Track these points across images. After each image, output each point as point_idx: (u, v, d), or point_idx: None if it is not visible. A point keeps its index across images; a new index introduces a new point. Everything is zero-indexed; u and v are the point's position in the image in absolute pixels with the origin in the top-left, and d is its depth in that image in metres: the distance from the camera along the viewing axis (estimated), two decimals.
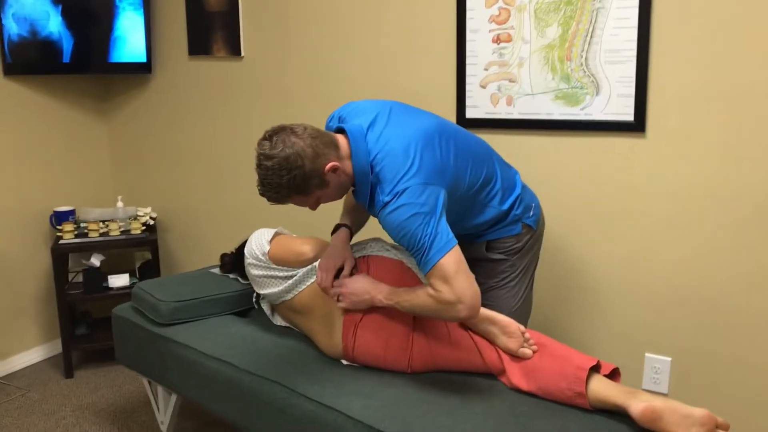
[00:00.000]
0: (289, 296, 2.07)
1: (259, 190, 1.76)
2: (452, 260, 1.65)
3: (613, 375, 1.75)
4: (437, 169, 1.74)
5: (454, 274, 1.64)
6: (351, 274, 1.96)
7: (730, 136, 2.16)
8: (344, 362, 1.96)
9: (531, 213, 2.04)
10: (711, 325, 2.28)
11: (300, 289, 2.05)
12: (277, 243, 2.14)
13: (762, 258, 2.17)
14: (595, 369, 1.71)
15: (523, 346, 1.79)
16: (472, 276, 1.68)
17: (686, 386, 2.36)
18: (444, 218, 1.70)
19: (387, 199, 1.71)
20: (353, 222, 2.14)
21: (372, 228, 2.84)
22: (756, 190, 2.14)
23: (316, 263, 2.03)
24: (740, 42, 2.09)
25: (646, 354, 2.41)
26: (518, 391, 1.76)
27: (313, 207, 1.84)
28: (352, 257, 2.01)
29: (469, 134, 1.96)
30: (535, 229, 2.06)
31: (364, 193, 1.79)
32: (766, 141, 2.10)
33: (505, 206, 1.99)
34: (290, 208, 3.11)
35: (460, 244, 2.11)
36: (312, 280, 2.03)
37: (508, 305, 2.07)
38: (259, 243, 2.16)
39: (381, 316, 1.88)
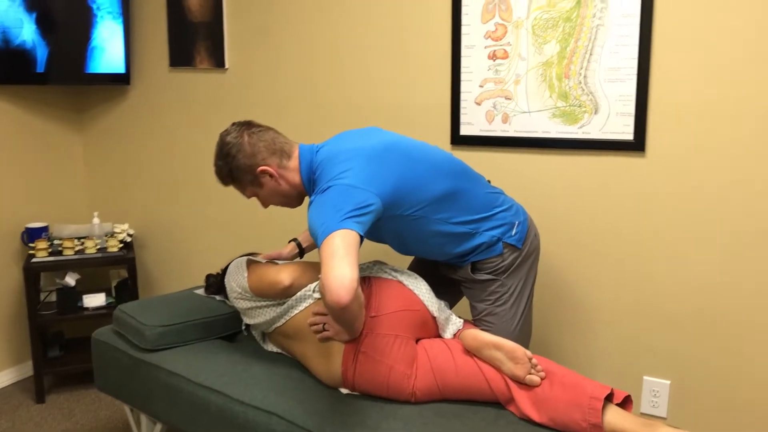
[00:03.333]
0: (282, 322, 1.99)
1: None
2: (329, 243, 1.58)
3: (624, 403, 1.71)
4: (373, 177, 1.76)
5: (326, 258, 1.56)
6: None
7: (731, 156, 2.13)
8: (343, 391, 1.87)
9: (513, 232, 1.99)
10: (711, 348, 2.25)
11: (293, 314, 1.96)
12: (253, 275, 2.03)
13: (763, 278, 2.15)
14: (608, 397, 1.66)
15: (530, 373, 1.73)
16: (349, 258, 1.55)
17: (685, 410, 2.32)
18: (359, 217, 1.66)
19: (313, 198, 1.77)
20: (308, 236, 2.28)
21: (374, 251, 2.77)
22: (756, 210, 2.12)
23: (313, 285, 1.95)
24: (742, 60, 2.08)
25: (645, 377, 2.37)
26: (529, 421, 1.70)
27: (250, 196, 1.99)
28: None
29: (437, 153, 1.95)
30: (520, 247, 2.00)
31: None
32: (767, 159, 2.09)
33: (477, 226, 1.95)
34: (274, 221, 3.02)
35: (445, 268, 2.08)
36: (305, 304, 1.94)
37: (507, 328, 2.02)
38: (236, 279, 2.07)
39: (383, 341, 1.81)
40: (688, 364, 2.30)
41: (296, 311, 1.95)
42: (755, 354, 2.19)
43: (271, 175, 1.92)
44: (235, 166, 1.91)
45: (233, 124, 1.97)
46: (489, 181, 2.08)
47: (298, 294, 1.95)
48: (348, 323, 1.73)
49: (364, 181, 1.74)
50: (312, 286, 1.95)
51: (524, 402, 1.71)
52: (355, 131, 1.99)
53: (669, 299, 2.29)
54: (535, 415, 1.68)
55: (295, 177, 1.94)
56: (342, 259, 1.54)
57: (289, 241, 2.34)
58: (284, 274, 1.95)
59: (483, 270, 2.00)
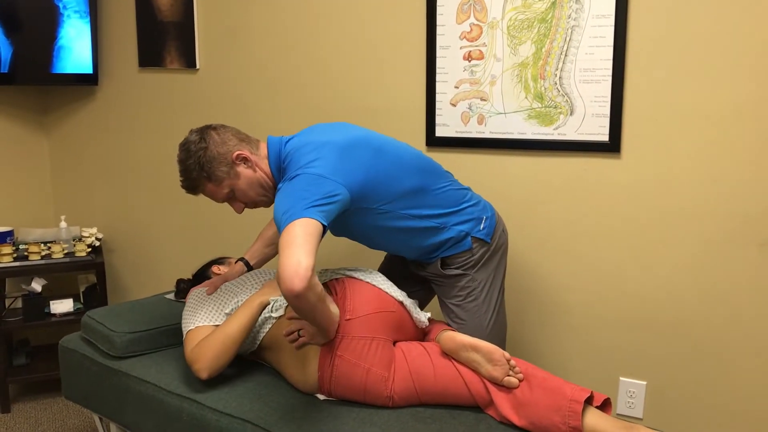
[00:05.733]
0: (256, 345, 1.96)
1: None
2: (289, 231, 1.56)
3: (604, 405, 1.69)
4: (341, 168, 1.75)
5: (283, 246, 1.54)
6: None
7: (706, 157, 2.14)
8: (320, 397, 1.84)
9: (481, 226, 1.99)
10: (687, 348, 2.26)
11: (264, 332, 1.93)
12: (186, 350, 1.90)
13: (737, 279, 2.16)
14: (587, 400, 1.65)
15: (508, 375, 1.71)
16: (306, 247, 1.53)
17: (661, 411, 2.33)
18: (324, 206, 1.65)
19: (280, 185, 1.75)
20: (255, 253, 2.24)
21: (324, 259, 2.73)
22: (731, 211, 2.13)
23: (270, 306, 1.91)
24: (717, 62, 2.08)
25: (621, 378, 2.37)
26: (509, 424, 1.68)
27: (224, 200, 1.92)
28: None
29: (406, 149, 1.95)
30: (489, 242, 2.00)
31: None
32: (742, 161, 2.10)
33: (445, 221, 1.95)
34: (243, 224, 2.97)
35: (415, 266, 2.07)
36: (270, 324, 1.92)
37: (480, 323, 2.01)
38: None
39: (360, 344, 1.77)
40: (665, 365, 2.30)
41: (267, 328, 1.93)
42: (730, 354, 2.20)
43: (246, 160, 1.88)
44: (208, 159, 1.85)
45: (191, 130, 1.92)
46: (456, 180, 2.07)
47: (260, 318, 1.93)
48: (309, 316, 1.64)
49: (333, 171, 1.73)
50: (269, 307, 1.92)
51: (504, 405, 1.69)
52: (325, 125, 1.98)
53: (644, 300, 2.29)
54: (515, 419, 1.66)
55: (266, 166, 1.91)
56: (299, 247, 1.52)
57: (236, 261, 2.25)
58: (201, 370, 1.83)
59: (452, 265, 1.99)
